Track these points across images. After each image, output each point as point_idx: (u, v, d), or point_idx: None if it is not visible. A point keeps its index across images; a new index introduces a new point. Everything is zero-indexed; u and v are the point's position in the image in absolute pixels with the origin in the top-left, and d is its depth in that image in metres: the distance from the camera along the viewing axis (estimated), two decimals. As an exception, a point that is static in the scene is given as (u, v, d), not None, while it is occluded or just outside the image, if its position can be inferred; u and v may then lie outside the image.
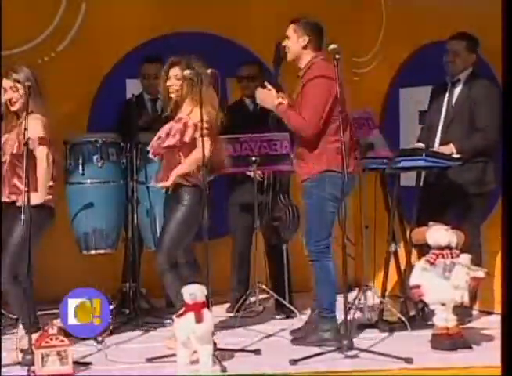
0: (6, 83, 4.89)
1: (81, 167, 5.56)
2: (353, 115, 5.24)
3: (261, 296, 5.80)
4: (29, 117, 4.71)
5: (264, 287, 5.79)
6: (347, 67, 6.25)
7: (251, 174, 5.68)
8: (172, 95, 5.00)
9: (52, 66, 6.31)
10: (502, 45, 4.40)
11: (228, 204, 6.02)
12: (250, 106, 6.08)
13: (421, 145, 5.54)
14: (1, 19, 5.64)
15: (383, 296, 5.38)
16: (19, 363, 4.45)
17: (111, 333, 5.26)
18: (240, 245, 6.00)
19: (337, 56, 4.72)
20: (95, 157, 5.59)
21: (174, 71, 4.97)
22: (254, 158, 5.69)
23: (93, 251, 5.64)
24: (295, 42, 4.95)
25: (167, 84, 4.99)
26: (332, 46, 4.75)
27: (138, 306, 5.63)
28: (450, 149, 5.35)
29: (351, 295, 5.40)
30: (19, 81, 4.86)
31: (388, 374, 4.39)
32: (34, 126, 4.78)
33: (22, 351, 4.50)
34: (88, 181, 5.58)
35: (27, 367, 4.35)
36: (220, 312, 5.76)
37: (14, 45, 6.22)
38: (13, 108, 4.89)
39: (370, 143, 5.24)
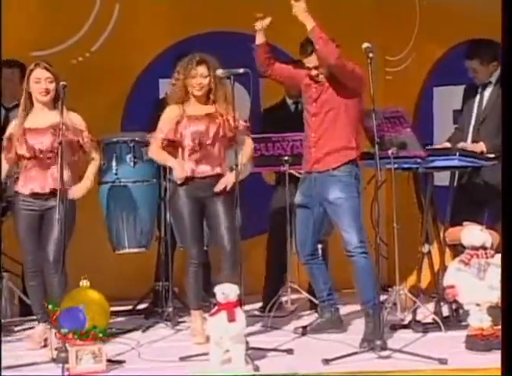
0: (41, 73, 4.93)
1: (114, 166, 5.60)
2: (385, 114, 5.22)
3: (294, 296, 5.81)
4: (76, 115, 4.96)
5: (296, 286, 5.79)
6: (380, 66, 6.23)
7: (294, 172, 5.69)
8: (198, 93, 5.04)
9: (87, 67, 6.36)
10: (502, 44, 4.37)
11: (269, 204, 6.02)
12: (292, 107, 6.08)
13: (448, 144, 5.50)
14: (2, 20, 5.68)
15: (416, 296, 5.35)
16: (53, 361, 4.48)
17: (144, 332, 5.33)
18: (276, 245, 5.99)
19: (370, 55, 4.73)
20: (128, 157, 5.62)
21: (201, 69, 5.01)
22: (286, 158, 5.70)
23: (126, 250, 5.68)
24: None
25: (194, 81, 5.01)
26: (365, 45, 4.75)
27: (170, 305, 5.65)
28: (480, 147, 5.31)
29: (385, 295, 5.38)
30: (52, 72, 4.93)
31: (422, 375, 4.36)
32: (83, 124, 4.99)
33: (56, 349, 4.53)
34: (122, 180, 5.61)
35: (61, 365, 4.37)
36: (253, 311, 5.77)
37: (49, 45, 6.28)
38: (44, 99, 4.93)
39: (403, 142, 5.21)
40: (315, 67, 5.02)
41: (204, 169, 5.04)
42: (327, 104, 5.02)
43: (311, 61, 5.02)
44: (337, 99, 5.01)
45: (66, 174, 4.88)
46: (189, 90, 5.07)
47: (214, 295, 4.54)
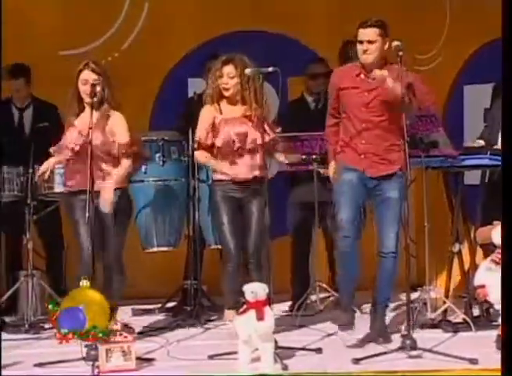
0: (88, 75, 4.94)
1: (143, 165, 5.62)
2: (416, 113, 5.19)
3: (322, 295, 5.80)
4: (117, 115, 4.95)
5: (324, 285, 5.78)
6: (409, 64, 6.20)
7: (322, 171, 5.67)
8: (226, 94, 5.04)
9: (116, 66, 6.37)
10: (502, 44, 4.38)
11: (288, 203, 6.02)
12: (312, 104, 6.07)
13: (481, 142, 5.46)
14: (1, 19, 5.68)
15: (446, 296, 5.31)
16: (83, 359, 4.51)
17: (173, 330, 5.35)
18: (300, 244, 5.99)
19: (399, 53, 4.70)
20: (157, 156, 5.65)
21: (228, 69, 5.01)
22: (314, 156, 5.69)
23: (155, 249, 5.70)
24: (382, 46, 4.89)
25: (221, 81, 5.01)
26: (395, 43, 4.74)
27: (199, 303, 5.66)
28: None
29: (414, 295, 5.36)
30: (100, 74, 4.93)
31: (452, 375, 4.32)
32: (125, 128, 4.98)
33: (86, 346, 4.56)
34: (151, 179, 5.64)
35: (91, 362, 4.39)
36: (281, 310, 5.76)
37: (79, 44, 6.33)
38: (90, 101, 4.91)
39: (434, 141, 5.18)
40: (369, 41, 4.86)
41: (243, 171, 5.04)
42: (379, 110, 4.89)
43: (367, 34, 4.86)
44: (390, 106, 4.87)
45: (106, 173, 4.90)
46: (219, 91, 5.07)
47: (242, 294, 4.54)
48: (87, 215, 4.65)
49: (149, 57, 6.45)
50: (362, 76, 4.93)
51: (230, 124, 5.05)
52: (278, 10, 6.66)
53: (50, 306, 4.49)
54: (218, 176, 5.09)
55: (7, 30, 6.29)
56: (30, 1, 6.43)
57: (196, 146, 5.15)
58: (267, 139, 4.98)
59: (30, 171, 5.58)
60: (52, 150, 5.04)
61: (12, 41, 6.25)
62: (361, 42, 4.90)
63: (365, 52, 4.88)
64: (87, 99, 4.95)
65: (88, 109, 4.94)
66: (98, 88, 4.91)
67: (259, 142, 5.00)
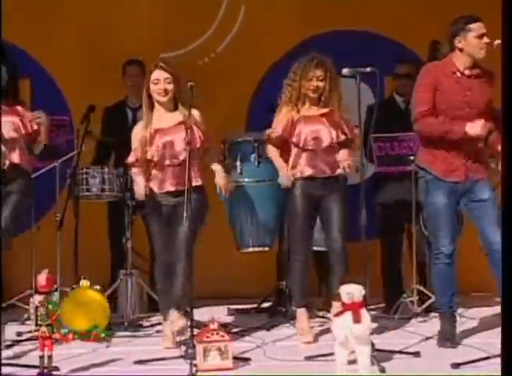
0: (160, 74, 4.96)
1: (238, 166, 5.65)
2: None
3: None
4: (198, 113, 4.98)
5: (422, 288, 5.70)
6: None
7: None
8: (313, 95, 5.07)
9: (212, 67, 6.45)
10: (502, 45, 4.29)
11: (378, 203, 5.96)
12: (402, 104, 5.99)
13: None
14: (1, 19, 5.73)
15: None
16: (182, 357, 4.56)
17: (269, 330, 5.36)
18: (393, 245, 5.92)
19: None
20: (252, 156, 5.67)
21: (319, 72, 5.04)
22: (412, 157, 5.61)
23: (250, 249, 5.72)
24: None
25: (309, 84, 5.03)
26: (497, 41, 4.67)
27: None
28: None
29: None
30: (171, 73, 4.96)
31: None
32: (202, 120, 5.02)
33: (184, 344, 4.62)
34: (246, 180, 5.66)
35: (189, 361, 4.44)
36: (377, 312, 5.72)
37: (176, 47, 6.41)
38: (163, 99, 4.96)
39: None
40: (482, 35, 4.74)
41: (322, 170, 5.06)
42: (479, 109, 4.80)
43: (482, 27, 4.76)
44: (487, 105, 4.83)
45: (192, 172, 4.92)
46: (303, 92, 5.08)
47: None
48: (184, 214, 4.67)
49: (245, 58, 6.49)
50: (459, 74, 4.82)
51: (308, 123, 5.05)
52: (374, 9, 6.60)
53: (50, 306, 4.52)
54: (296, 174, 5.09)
55: (108, 32, 6.45)
56: (129, 5, 6.56)
57: (268, 139, 5.17)
58: (342, 138, 5.03)
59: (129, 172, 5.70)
60: (129, 160, 5.07)
61: (112, 43, 6.40)
62: (481, 36, 4.74)
63: (486, 46, 4.74)
64: (160, 99, 4.96)
65: (162, 110, 4.98)
66: (171, 86, 4.93)
67: (335, 140, 5.03)
